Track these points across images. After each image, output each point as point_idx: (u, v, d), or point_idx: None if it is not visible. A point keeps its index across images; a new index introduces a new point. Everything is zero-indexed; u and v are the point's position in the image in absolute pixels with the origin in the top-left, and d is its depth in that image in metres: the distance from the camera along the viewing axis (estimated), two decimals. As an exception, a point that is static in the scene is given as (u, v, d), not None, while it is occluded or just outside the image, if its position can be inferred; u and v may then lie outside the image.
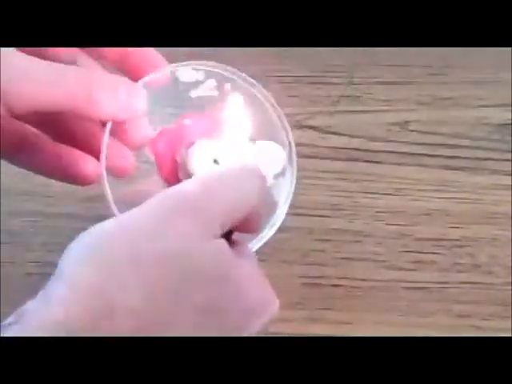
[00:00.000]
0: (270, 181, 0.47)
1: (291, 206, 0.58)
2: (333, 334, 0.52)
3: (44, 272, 0.54)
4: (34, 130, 0.48)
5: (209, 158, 0.46)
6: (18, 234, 0.56)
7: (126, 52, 0.49)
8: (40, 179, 0.59)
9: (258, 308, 0.43)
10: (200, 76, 0.49)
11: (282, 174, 0.48)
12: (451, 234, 0.57)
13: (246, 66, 0.67)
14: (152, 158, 0.47)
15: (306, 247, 0.56)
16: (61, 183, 0.57)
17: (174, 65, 0.48)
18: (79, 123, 0.49)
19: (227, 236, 0.42)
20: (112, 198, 0.44)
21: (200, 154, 0.46)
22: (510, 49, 0.66)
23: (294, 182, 0.48)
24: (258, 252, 0.56)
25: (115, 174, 0.46)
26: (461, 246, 0.57)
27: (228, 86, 0.49)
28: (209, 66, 0.49)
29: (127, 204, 0.43)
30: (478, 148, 0.62)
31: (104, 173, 0.44)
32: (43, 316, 0.38)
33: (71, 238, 0.55)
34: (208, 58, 0.67)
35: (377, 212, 0.58)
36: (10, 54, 0.43)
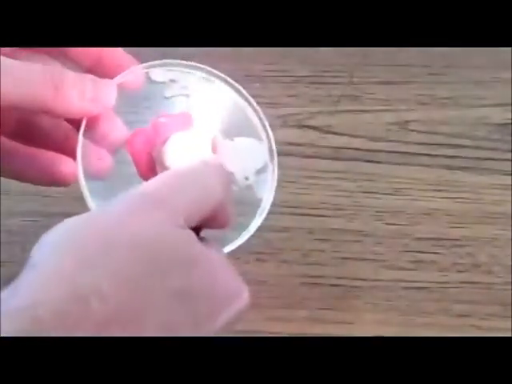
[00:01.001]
0: (251, 177, 0.48)
1: (291, 206, 0.58)
2: (333, 333, 0.52)
3: (44, 272, 0.54)
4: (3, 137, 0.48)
5: (184, 151, 0.46)
6: (18, 233, 0.56)
7: (100, 56, 0.49)
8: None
9: (231, 294, 0.43)
10: (173, 75, 0.49)
11: (263, 169, 0.48)
12: (451, 233, 0.57)
13: (246, 65, 0.67)
14: (129, 157, 0.47)
15: (306, 247, 0.56)
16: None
17: (146, 64, 0.48)
18: (52, 125, 0.49)
19: (195, 233, 0.42)
20: (89, 195, 0.46)
21: (175, 147, 0.46)
22: (509, 49, 0.66)
23: (276, 177, 0.47)
24: (257, 252, 0.56)
25: (93, 175, 0.47)
26: (461, 246, 0.57)
27: (202, 84, 0.49)
28: (181, 66, 0.49)
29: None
30: (478, 148, 0.62)
31: (81, 171, 0.45)
32: (10, 304, 0.37)
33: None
34: (208, 58, 0.67)
35: (377, 212, 0.58)
36: None
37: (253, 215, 0.47)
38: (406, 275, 0.55)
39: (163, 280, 0.40)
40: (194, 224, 0.42)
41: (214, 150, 0.47)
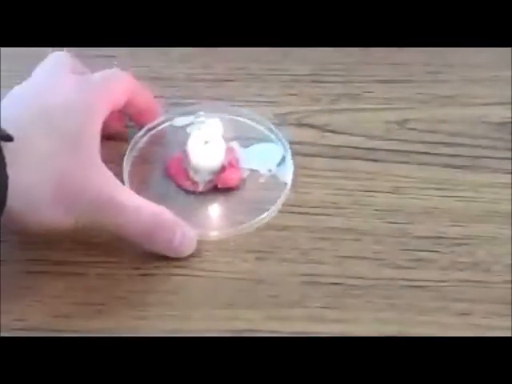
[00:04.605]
0: (273, 168, 0.60)
1: (291, 205, 0.58)
2: (332, 332, 0.52)
3: (44, 270, 0.54)
4: None
5: (202, 146, 0.58)
6: (18, 232, 0.56)
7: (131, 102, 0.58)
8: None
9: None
10: (192, 119, 0.62)
11: (282, 161, 0.60)
12: (451, 232, 0.57)
13: (246, 64, 0.67)
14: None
15: (306, 245, 0.56)
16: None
17: (169, 116, 0.62)
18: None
19: None
20: None
21: (194, 144, 0.58)
22: (509, 48, 0.66)
23: (292, 167, 0.59)
24: (257, 251, 0.56)
25: None
26: (460, 244, 0.57)
27: (215, 119, 0.60)
28: (196, 115, 0.62)
29: None
30: (477, 146, 0.62)
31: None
32: None
33: (70, 237, 0.56)
34: (209, 58, 0.67)
35: (376, 210, 0.58)
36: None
37: (280, 195, 0.58)
38: (405, 274, 0.55)
39: None
40: None
41: (232, 154, 0.59)
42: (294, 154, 0.61)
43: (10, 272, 0.54)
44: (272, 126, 0.61)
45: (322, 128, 0.63)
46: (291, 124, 0.64)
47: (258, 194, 0.59)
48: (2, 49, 0.62)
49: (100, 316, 0.52)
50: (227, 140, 0.59)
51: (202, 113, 0.62)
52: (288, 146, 0.60)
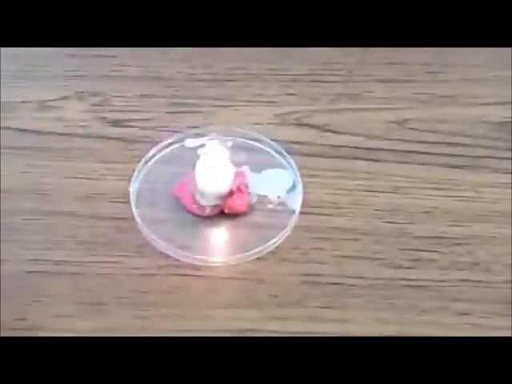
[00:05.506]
0: (282, 195, 0.58)
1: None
2: (332, 332, 0.52)
3: (44, 270, 0.54)
4: None
5: (208, 171, 0.56)
6: (18, 231, 0.57)
7: None
8: (39, 178, 0.59)
9: None
10: (203, 141, 0.61)
11: (293, 188, 0.59)
12: (450, 231, 0.57)
13: (246, 64, 0.67)
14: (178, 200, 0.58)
15: (306, 245, 0.56)
16: (58, 181, 0.58)
17: (181, 137, 0.62)
18: None
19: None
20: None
21: (201, 169, 0.56)
22: (509, 48, 0.66)
23: (302, 193, 0.58)
24: (258, 251, 0.56)
25: None
26: (460, 244, 0.57)
27: (229, 143, 0.61)
28: (207, 136, 0.62)
29: None
30: (477, 146, 0.63)
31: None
32: None
33: (70, 236, 0.56)
34: (209, 58, 0.67)
35: (376, 210, 0.58)
36: None
37: (287, 222, 0.57)
38: (405, 273, 0.55)
39: None
40: None
41: (241, 178, 0.58)
42: (294, 153, 0.61)
43: (10, 272, 0.54)
44: (284, 152, 0.60)
45: (322, 128, 0.63)
46: (291, 124, 0.64)
47: (265, 220, 0.58)
48: (2, 49, 0.62)
49: (100, 316, 0.52)
50: (238, 164, 0.58)
51: (214, 135, 0.61)
52: (299, 173, 0.59)
